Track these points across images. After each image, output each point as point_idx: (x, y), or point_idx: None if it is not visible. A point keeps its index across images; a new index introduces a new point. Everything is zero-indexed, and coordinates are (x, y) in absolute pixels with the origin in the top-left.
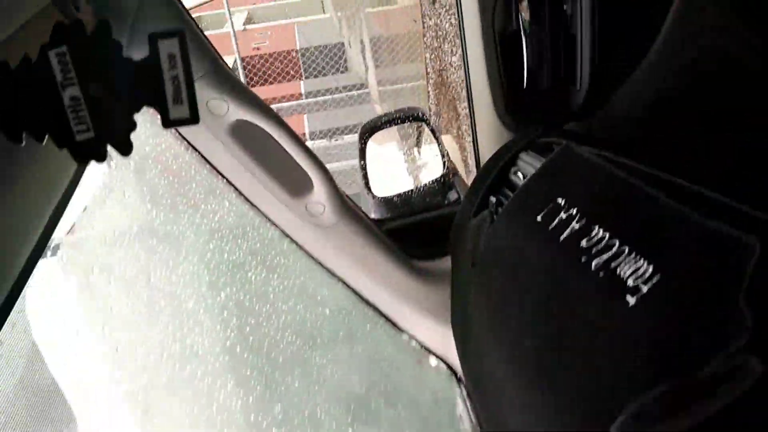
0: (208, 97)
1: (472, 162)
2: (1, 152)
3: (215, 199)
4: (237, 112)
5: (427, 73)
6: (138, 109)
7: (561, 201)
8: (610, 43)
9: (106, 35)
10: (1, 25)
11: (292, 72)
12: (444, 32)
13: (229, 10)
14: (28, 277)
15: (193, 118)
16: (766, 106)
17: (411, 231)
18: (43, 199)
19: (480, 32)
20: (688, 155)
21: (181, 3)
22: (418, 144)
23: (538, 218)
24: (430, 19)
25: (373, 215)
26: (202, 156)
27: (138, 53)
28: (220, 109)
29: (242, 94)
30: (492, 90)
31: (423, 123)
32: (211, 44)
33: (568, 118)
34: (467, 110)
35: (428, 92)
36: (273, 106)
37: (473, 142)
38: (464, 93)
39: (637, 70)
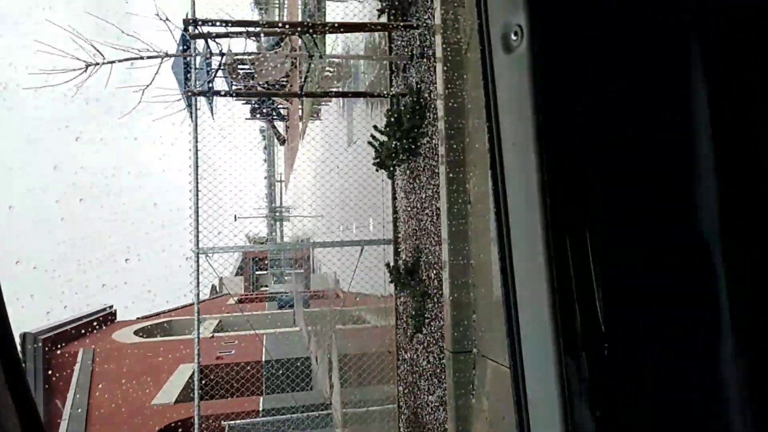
0: None
1: None
2: None
3: None
4: None
5: (399, 407)
6: None
7: None
8: None
9: None
10: None
11: (252, 386)
12: (421, 369)
13: (198, 319)
14: None
15: None
16: None
17: None
18: None
19: None
20: None
21: None
22: None
23: None
24: (406, 352)
25: None
26: None
27: None
28: None
29: None
30: None
31: None
32: None
33: None
34: None
35: (399, 429)
36: (226, 423)
37: None
38: None
39: None
